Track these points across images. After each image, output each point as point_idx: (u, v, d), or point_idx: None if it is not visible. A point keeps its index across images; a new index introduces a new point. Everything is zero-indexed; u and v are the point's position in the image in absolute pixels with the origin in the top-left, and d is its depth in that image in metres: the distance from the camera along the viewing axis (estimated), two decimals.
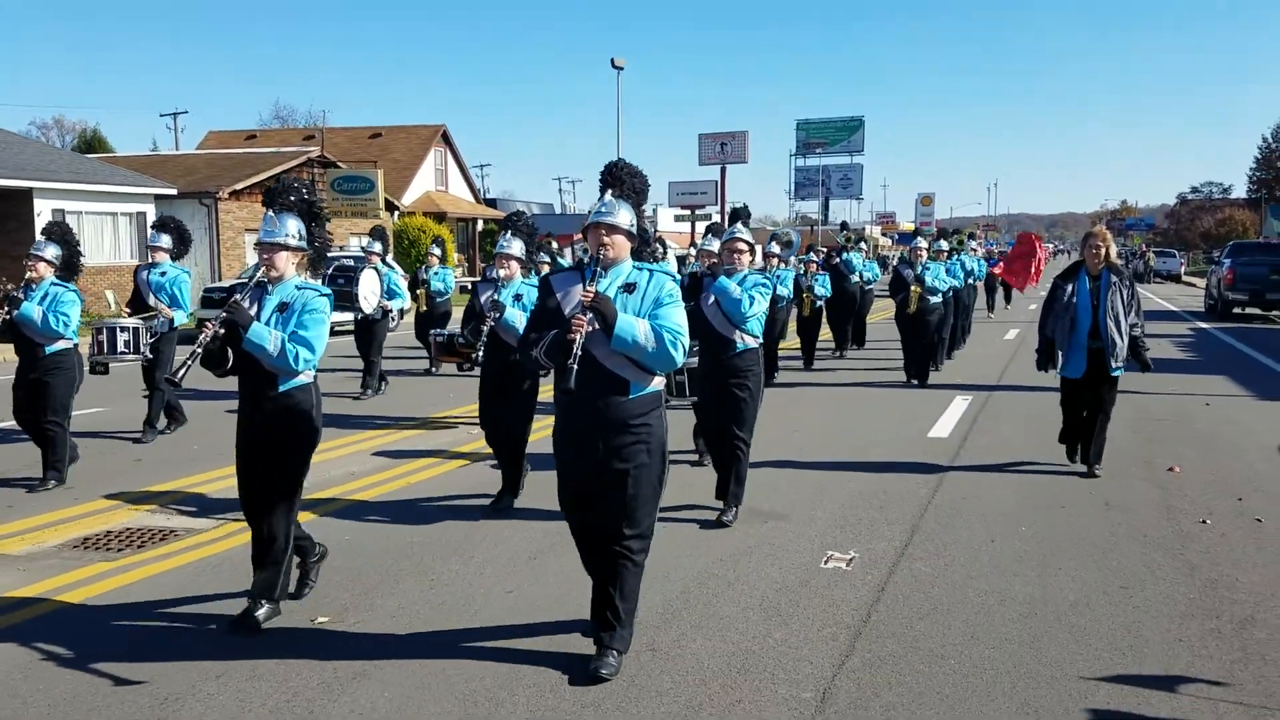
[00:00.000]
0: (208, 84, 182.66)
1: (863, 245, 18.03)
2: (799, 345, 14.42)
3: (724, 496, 6.22)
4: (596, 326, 3.71)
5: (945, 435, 9.11)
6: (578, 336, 3.64)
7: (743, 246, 6.30)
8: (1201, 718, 3.64)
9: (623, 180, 4.13)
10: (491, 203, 49.35)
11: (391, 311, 11.86)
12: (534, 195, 65.83)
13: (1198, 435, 9.02)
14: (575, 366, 3.61)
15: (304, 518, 5.75)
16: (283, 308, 4.44)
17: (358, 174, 32.26)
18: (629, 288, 3.92)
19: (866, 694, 3.82)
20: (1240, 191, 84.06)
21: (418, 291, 13.40)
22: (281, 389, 4.42)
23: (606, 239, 3.92)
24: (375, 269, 11.74)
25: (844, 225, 21.96)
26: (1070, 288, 7.19)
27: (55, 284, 7.23)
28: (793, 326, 14.59)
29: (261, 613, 4.48)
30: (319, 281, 4.92)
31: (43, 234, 7.52)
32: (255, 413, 4.47)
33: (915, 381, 12.29)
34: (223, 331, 4.27)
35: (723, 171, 53.53)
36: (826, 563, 5.41)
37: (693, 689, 3.87)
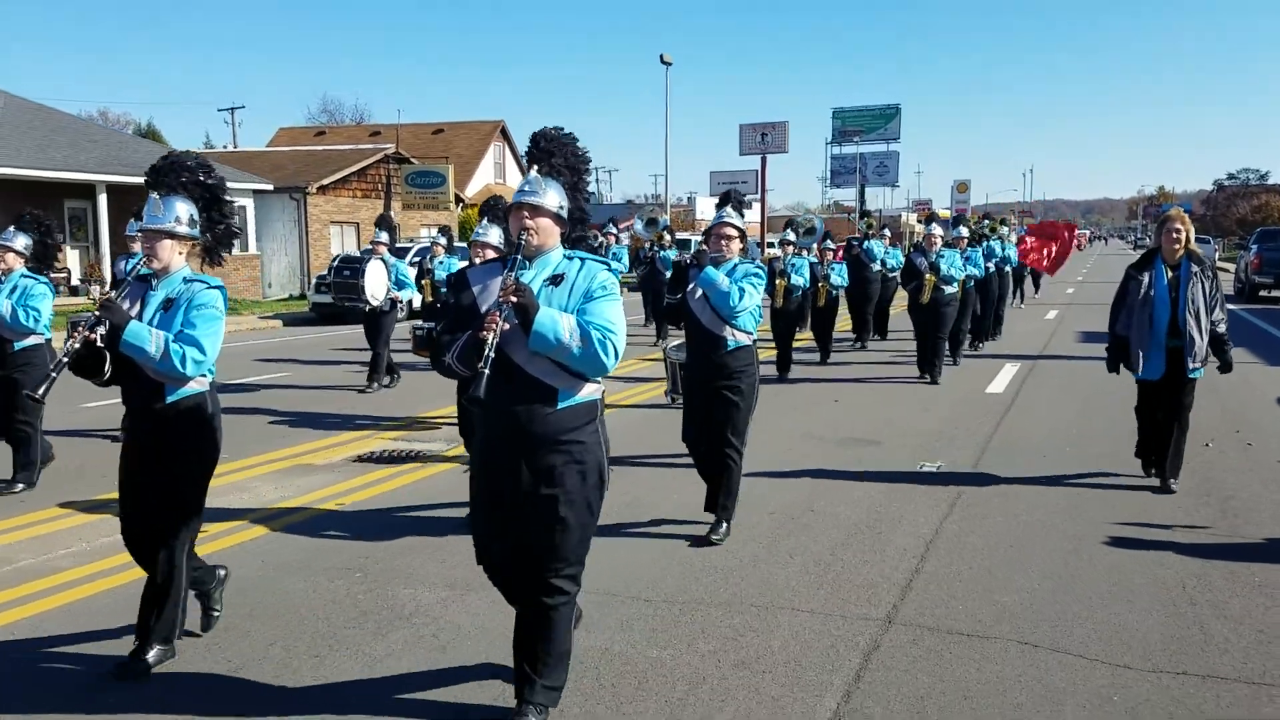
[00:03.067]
0: (249, 79, 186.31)
1: (886, 232, 17.23)
2: (812, 337, 13.98)
3: (714, 509, 5.69)
4: (515, 323, 3.16)
5: (1000, 391, 11.02)
6: (490, 336, 3.08)
7: (731, 232, 5.71)
8: (1184, 538, 5.57)
9: (552, 153, 3.51)
10: None
11: (401, 303, 11.57)
12: None
13: (1212, 390, 10.79)
14: (487, 372, 3.04)
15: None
16: (168, 304, 3.89)
17: (430, 169, 34.42)
18: (556, 279, 3.33)
19: (965, 530, 5.78)
20: (1278, 177, 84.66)
21: (423, 282, 12.75)
22: (170, 399, 3.87)
23: (530, 222, 3.31)
24: (382, 260, 11.38)
25: (865, 213, 21.89)
26: (1146, 279, 6.52)
27: (26, 276, 6.81)
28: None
29: (152, 654, 3.97)
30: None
31: (14, 223, 6.99)
32: (140, 428, 3.93)
33: (928, 378, 11.59)
34: (94, 335, 3.72)
35: (763, 161, 55.16)
36: (920, 468, 7.35)
37: (846, 531, 5.83)
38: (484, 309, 3.26)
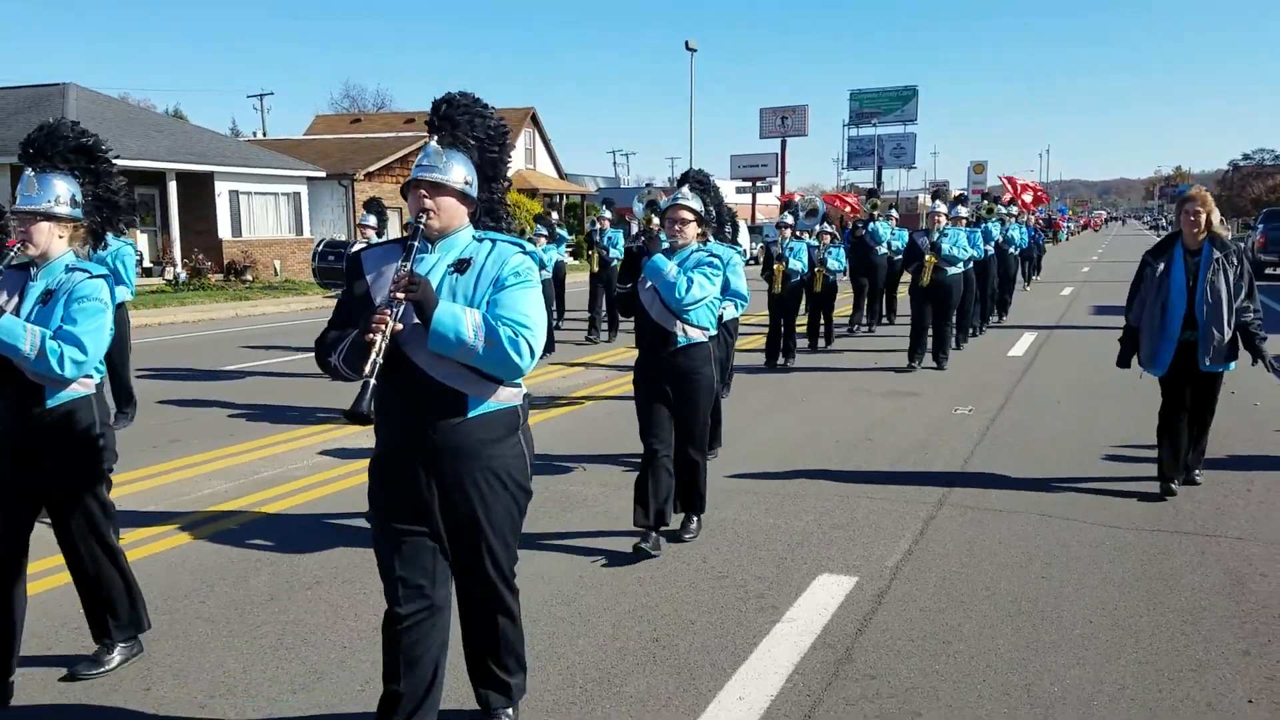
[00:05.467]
0: (271, 65, 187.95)
1: (893, 213, 16.73)
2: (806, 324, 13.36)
3: (689, 506, 5.31)
4: (415, 321, 2.75)
5: (1021, 354, 12.50)
6: (378, 337, 2.65)
7: (686, 215, 5.13)
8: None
9: (456, 122, 3.01)
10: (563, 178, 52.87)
11: None
12: (592, 169, 69.01)
13: None
14: (373, 380, 2.64)
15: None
16: (47, 296, 3.52)
17: None
18: (461, 265, 2.91)
19: (994, 450, 7.27)
20: None
21: None
22: (50, 404, 3.52)
23: (429, 202, 2.88)
24: (368, 244, 11.95)
25: (871, 192, 19.20)
26: (1162, 266, 5.96)
27: None
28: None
29: (115, 656, 3.78)
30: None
31: None
32: (18, 436, 3.54)
33: (933, 364, 11.27)
34: None
35: (783, 144, 56.39)
36: (956, 411, 8.85)
37: (901, 450, 7.33)
38: (378, 301, 2.81)
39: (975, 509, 5.83)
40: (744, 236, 33.61)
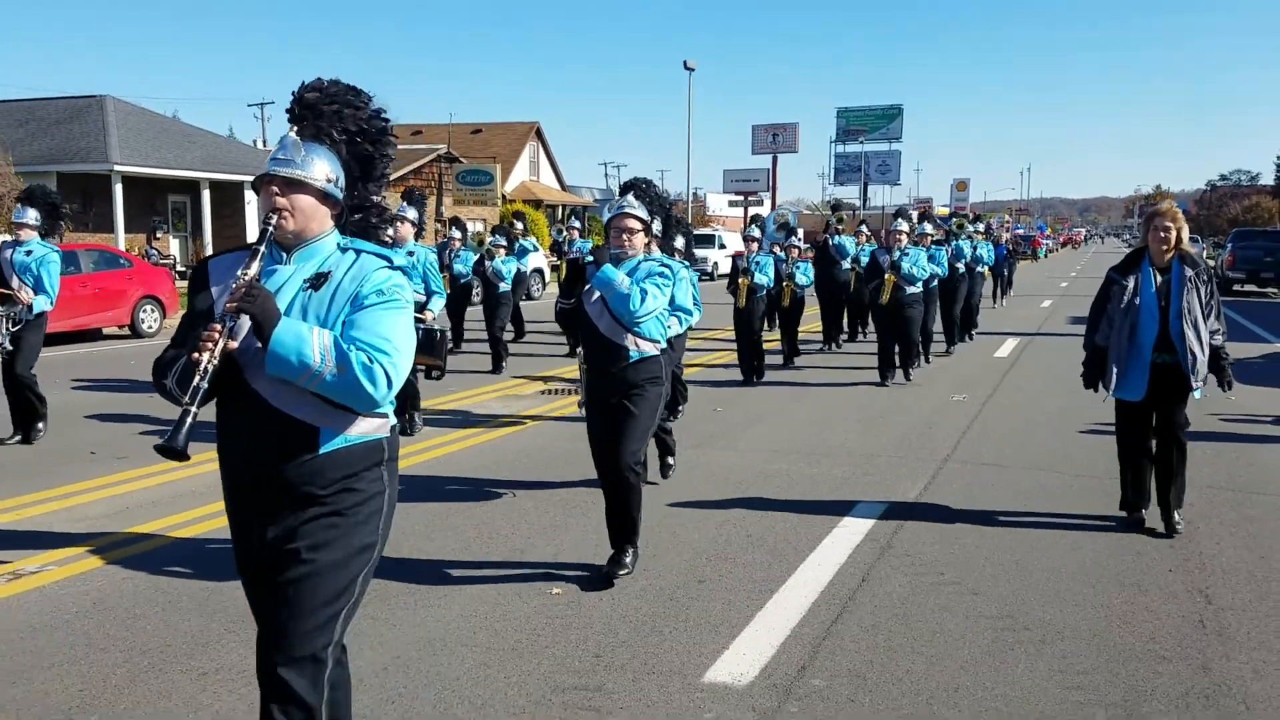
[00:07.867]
0: (266, 74, 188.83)
1: (863, 229, 15.69)
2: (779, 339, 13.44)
3: (616, 542, 4.91)
4: (257, 342, 2.37)
5: (1005, 355, 14.12)
6: (205, 356, 2.31)
7: (634, 225, 4.88)
8: None
9: (321, 112, 2.63)
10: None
11: None
12: (587, 180, 70.50)
13: None
14: (195, 409, 2.31)
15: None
16: None
17: (479, 168, 37.55)
18: (317, 281, 2.52)
19: (988, 426, 8.84)
20: (1269, 179, 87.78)
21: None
22: None
23: (282, 201, 2.50)
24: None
25: (835, 205, 17.21)
26: (1131, 284, 5.63)
27: None
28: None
29: None
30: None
31: None
32: None
33: (888, 383, 11.22)
34: None
35: (774, 160, 58.19)
36: (953, 398, 10.42)
37: (907, 426, 8.89)
38: (218, 314, 2.46)
39: (973, 464, 7.39)
40: (731, 241, 35.11)
